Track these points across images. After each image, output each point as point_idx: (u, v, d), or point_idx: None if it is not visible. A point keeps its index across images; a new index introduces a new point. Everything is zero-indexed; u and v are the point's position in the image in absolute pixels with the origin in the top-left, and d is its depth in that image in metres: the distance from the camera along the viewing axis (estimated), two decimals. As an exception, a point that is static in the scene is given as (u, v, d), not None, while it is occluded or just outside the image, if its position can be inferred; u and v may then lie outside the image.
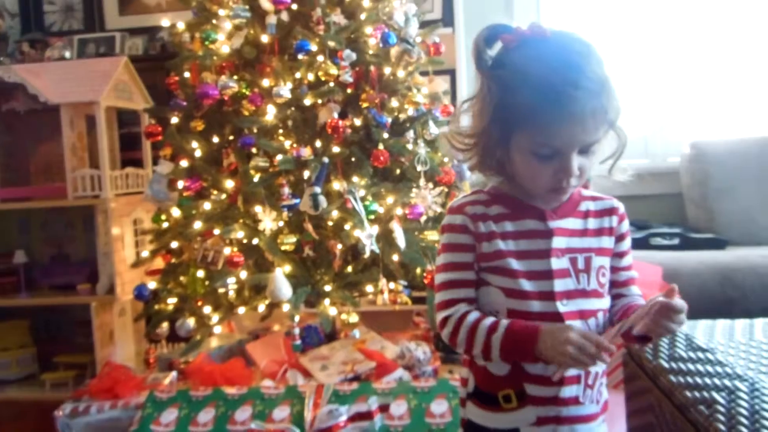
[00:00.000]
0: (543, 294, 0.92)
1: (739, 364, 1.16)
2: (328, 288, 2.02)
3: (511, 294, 0.93)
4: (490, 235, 0.94)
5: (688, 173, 2.85)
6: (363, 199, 1.98)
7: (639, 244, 2.58)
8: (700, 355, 1.24)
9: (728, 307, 2.20)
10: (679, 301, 0.85)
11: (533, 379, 0.92)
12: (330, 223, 2.02)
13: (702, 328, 1.39)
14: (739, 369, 1.13)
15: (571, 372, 0.92)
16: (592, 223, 0.98)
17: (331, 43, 2.01)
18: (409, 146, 2.10)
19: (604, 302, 0.97)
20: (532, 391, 0.92)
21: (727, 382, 1.09)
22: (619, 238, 1.00)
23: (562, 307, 0.92)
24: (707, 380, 1.12)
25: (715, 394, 1.06)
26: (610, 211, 1.00)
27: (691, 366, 1.20)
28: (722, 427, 0.98)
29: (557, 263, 0.93)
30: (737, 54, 3.02)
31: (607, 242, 0.98)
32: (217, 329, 2.13)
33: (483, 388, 0.97)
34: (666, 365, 1.25)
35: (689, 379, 1.15)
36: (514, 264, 0.93)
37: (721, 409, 1.02)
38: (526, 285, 0.92)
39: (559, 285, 0.93)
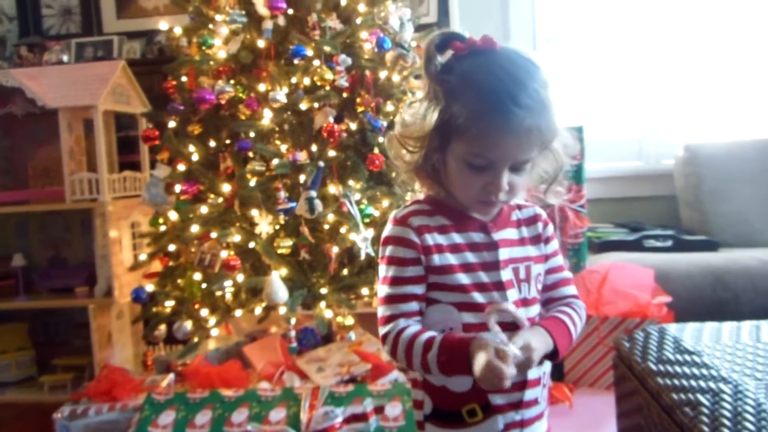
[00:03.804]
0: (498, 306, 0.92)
1: (724, 366, 1.18)
2: (324, 291, 2.04)
3: (464, 308, 0.92)
4: (438, 247, 0.94)
5: (682, 175, 2.87)
6: (358, 202, 2.01)
7: (632, 247, 2.60)
8: (687, 357, 1.26)
9: (719, 309, 2.21)
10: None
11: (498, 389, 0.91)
12: (326, 227, 2.04)
13: (690, 331, 1.41)
14: (724, 371, 1.15)
15: (533, 375, 0.93)
16: (526, 232, 1.00)
17: (327, 48, 2.03)
18: (404, 150, 2.11)
19: (538, 308, 0.99)
20: (497, 401, 0.93)
21: (712, 384, 1.11)
22: (546, 241, 1.01)
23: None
24: (693, 383, 1.14)
25: (700, 396, 1.09)
26: (534, 219, 1.02)
27: (678, 368, 1.22)
28: (706, 428, 1.00)
29: (505, 275, 0.94)
30: (731, 57, 3.04)
31: (542, 249, 1.01)
32: (214, 332, 2.14)
33: (443, 407, 0.96)
34: (654, 367, 1.27)
35: (676, 382, 1.17)
36: (463, 278, 0.92)
37: (705, 411, 1.04)
38: (479, 298, 0.92)
39: (512, 296, 0.94)
